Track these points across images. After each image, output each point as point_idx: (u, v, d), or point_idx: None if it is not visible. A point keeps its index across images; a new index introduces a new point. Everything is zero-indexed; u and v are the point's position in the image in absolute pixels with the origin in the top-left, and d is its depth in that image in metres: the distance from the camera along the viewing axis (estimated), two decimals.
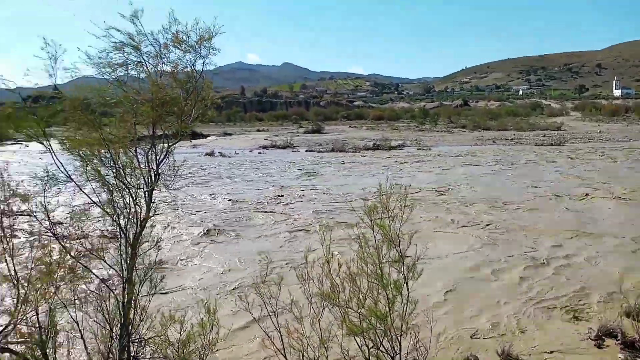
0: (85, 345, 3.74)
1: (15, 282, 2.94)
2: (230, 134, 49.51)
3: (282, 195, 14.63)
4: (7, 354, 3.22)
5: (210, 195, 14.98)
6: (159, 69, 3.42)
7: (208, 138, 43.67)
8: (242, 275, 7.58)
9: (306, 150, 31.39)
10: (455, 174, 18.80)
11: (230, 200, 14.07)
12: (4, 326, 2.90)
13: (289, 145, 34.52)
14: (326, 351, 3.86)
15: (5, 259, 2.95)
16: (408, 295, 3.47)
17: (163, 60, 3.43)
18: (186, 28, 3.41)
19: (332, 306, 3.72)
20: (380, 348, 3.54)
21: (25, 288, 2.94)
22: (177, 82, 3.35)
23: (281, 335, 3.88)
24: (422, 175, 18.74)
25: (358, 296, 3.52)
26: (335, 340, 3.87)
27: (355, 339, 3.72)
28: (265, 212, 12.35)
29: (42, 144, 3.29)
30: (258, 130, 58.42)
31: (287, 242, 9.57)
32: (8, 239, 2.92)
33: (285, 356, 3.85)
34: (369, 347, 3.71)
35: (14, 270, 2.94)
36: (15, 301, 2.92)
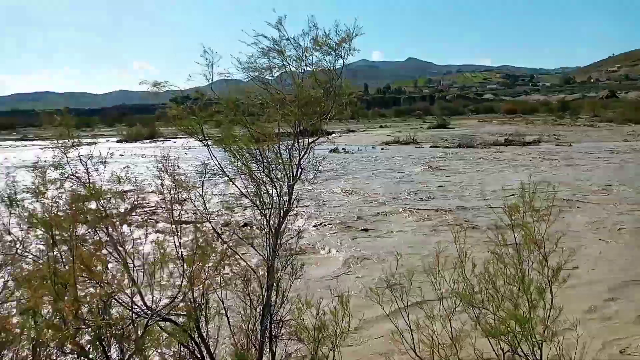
0: (228, 322, 4.09)
1: (181, 262, 3.36)
2: (353, 131, 50.27)
3: (410, 192, 14.54)
4: (168, 323, 3.66)
5: (341, 189, 15.44)
6: (301, 70, 3.65)
7: (332, 135, 44.82)
8: (373, 268, 7.75)
9: (431, 146, 30.69)
10: (607, 172, 16.96)
11: (360, 194, 14.37)
12: (171, 299, 3.34)
13: (413, 141, 34.03)
14: (458, 351, 3.81)
15: (175, 243, 3.39)
16: (552, 301, 3.28)
17: (305, 62, 3.65)
18: (324, 31, 3.58)
19: (466, 306, 3.66)
20: (519, 352, 3.40)
21: (189, 267, 3.35)
22: (318, 82, 3.54)
23: (412, 331, 3.91)
24: (567, 172, 17.23)
25: (495, 298, 3.41)
26: (467, 340, 3.81)
27: (489, 340, 3.62)
28: (396, 207, 12.40)
29: (200, 140, 3.70)
30: (381, 127, 58.45)
31: (420, 237, 9.52)
32: (177, 225, 3.35)
33: (415, 352, 3.87)
34: (505, 350, 3.58)
35: (181, 252, 3.36)
36: (180, 279, 3.34)
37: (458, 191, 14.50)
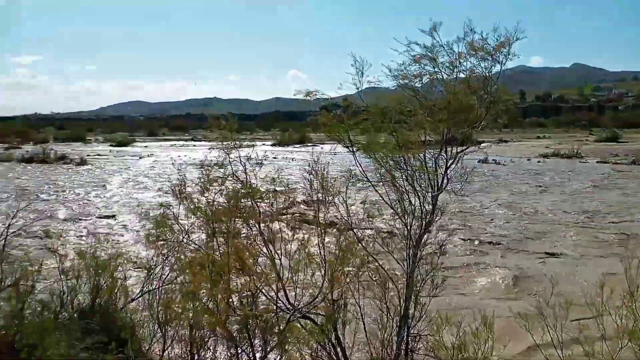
0: (364, 328, 4.09)
1: (323, 263, 3.46)
2: (506, 141, 47.12)
3: (574, 211, 13.14)
4: (308, 321, 3.79)
5: (491, 202, 14.58)
6: (453, 77, 3.52)
7: (483, 144, 42.58)
8: (523, 291, 7.15)
9: (597, 162, 27.36)
10: None
11: (513, 209, 13.43)
12: (312, 298, 3.46)
13: (576, 155, 30.72)
14: None
15: (318, 244, 3.51)
16: None
17: (457, 68, 3.51)
18: (481, 35, 3.41)
19: (636, 348, 3.15)
20: None
21: (330, 269, 3.44)
22: (472, 89, 3.38)
23: None
24: None
25: None
26: None
27: None
28: (557, 226, 11.29)
29: (346, 147, 3.78)
30: (538, 137, 53.90)
31: (585, 262, 8.54)
32: (322, 227, 3.47)
33: None
34: None
35: (324, 253, 3.46)
36: (322, 279, 3.45)
37: (634, 214, 12.65)
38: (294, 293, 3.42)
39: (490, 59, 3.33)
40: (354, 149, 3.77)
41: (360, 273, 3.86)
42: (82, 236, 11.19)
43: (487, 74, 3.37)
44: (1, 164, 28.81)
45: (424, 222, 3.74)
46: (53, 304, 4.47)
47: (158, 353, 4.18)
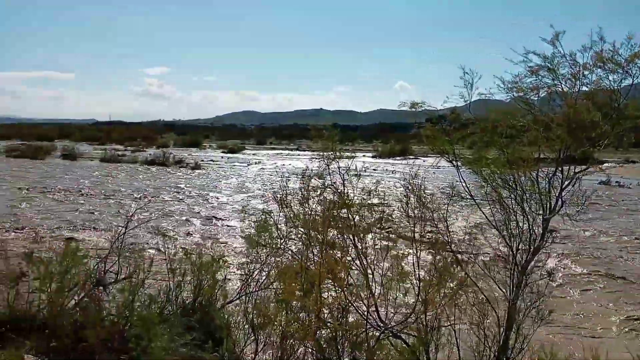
0: (459, 354, 3.85)
1: (418, 283, 3.32)
2: (634, 162, 42.37)
3: None
4: (399, 341, 3.65)
5: (611, 230, 13.15)
6: (574, 90, 3.20)
7: (604, 165, 38.70)
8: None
9: None
10: None
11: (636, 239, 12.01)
12: (404, 317, 3.33)
13: None
14: None
15: (413, 262, 3.37)
16: None
17: (580, 81, 3.19)
18: (612, 46, 3.06)
19: None
20: None
21: (425, 289, 3.29)
22: (596, 104, 3.04)
23: None
24: None
25: None
26: None
27: None
28: None
29: (450, 161, 3.60)
30: None
31: None
32: (418, 245, 3.33)
33: None
34: None
35: (419, 272, 3.32)
36: (415, 299, 3.30)
37: None
38: (385, 311, 3.31)
39: (622, 71, 2.97)
40: (458, 163, 3.58)
41: (457, 296, 3.65)
42: (190, 235, 12.01)
43: (616, 88, 3.01)
44: (128, 165, 32.05)
45: (532, 247, 3.43)
46: (159, 299, 4.81)
47: (250, 356, 4.29)
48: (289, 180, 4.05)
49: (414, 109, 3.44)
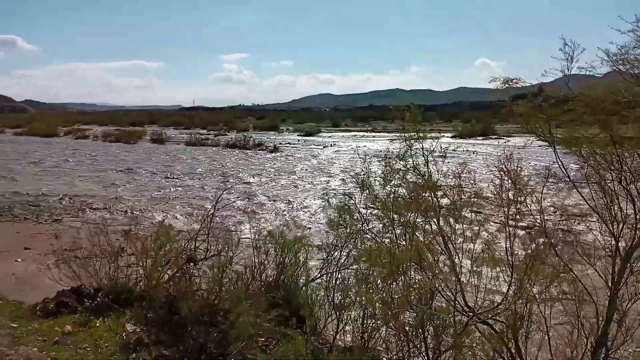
0: (549, 344, 3.65)
1: (509, 269, 3.17)
2: None
3: None
4: (485, 327, 3.52)
5: None
6: None
7: None
8: None
9: None
10: None
11: None
12: (493, 304, 3.20)
13: None
14: None
15: (505, 247, 3.21)
16: None
17: None
18: None
19: None
20: None
21: (517, 276, 3.14)
22: None
23: None
24: None
25: None
26: None
27: None
28: None
29: (545, 140, 3.37)
30: None
31: None
32: (510, 229, 3.16)
33: None
34: None
35: (511, 258, 3.17)
36: (507, 286, 3.16)
37: None
38: (474, 296, 3.20)
39: None
40: (554, 143, 3.34)
41: (551, 284, 3.45)
42: (273, 216, 12.40)
43: None
44: (210, 148, 33.56)
45: (637, 233, 3.15)
46: (245, 276, 5.02)
47: (332, 334, 4.37)
48: (369, 162, 4.02)
49: (507, 85, 3.24)
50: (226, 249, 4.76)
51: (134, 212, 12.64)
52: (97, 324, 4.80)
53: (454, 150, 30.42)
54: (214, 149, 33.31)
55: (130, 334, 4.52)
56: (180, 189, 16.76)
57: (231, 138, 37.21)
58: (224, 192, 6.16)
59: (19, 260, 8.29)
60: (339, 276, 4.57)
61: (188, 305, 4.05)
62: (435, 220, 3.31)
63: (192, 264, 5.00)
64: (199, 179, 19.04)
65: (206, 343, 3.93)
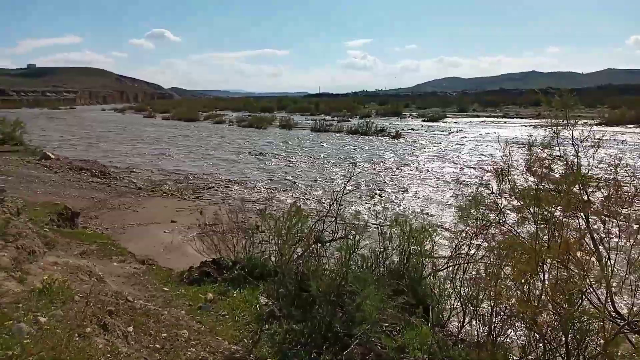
0: None
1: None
2: None
3: None
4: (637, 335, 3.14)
5: None
6: None
7: None
8: None
9: None
10: None
11: None
12: None
13: None
14: None
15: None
16: None
17: None
18: None
19: None
20: None
21: None
22: None
23: None
24: None
25: None
26: None
27: None
28: None
29: None
30: None
31: None
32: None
33: None
34: None
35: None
36: None
37: None
38: (631, 304, 2.87)
39: None
40: None
41: None
42: (397, 203, 12.37)
43: None
44: (334, 134, 34.26)
45: None
46: (370, 261, 5.07)
47: (456, 326, 4.24)
48: (508, 150, 3.77)
49: None
50: (354, 232, 4.84)
51: (269, 193, 13.55)
52: (234, 294, 5.21)
53: (598, 139, 27.29)
54: (337, 134, 33.95)
55: (263, 306, 4.85)
56: (307, 172, 17.52)
57: (354, 124, 37.52)
58: (350, 178, 6.26)
59: (167, 231, 9.34)
60: (467, 268, 4.39)
61: (317, 284, 4.22)
62: (583, 216, 3.01)
63: (320, 244, 5.18)
64: (326, 163, 19.71)
65: (333, 322, 4.06)
